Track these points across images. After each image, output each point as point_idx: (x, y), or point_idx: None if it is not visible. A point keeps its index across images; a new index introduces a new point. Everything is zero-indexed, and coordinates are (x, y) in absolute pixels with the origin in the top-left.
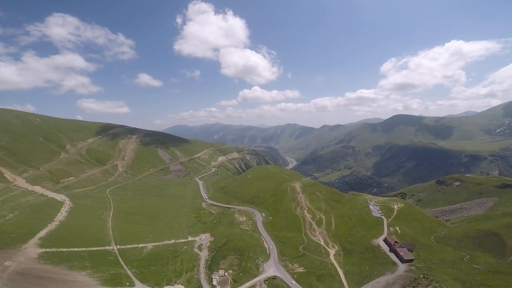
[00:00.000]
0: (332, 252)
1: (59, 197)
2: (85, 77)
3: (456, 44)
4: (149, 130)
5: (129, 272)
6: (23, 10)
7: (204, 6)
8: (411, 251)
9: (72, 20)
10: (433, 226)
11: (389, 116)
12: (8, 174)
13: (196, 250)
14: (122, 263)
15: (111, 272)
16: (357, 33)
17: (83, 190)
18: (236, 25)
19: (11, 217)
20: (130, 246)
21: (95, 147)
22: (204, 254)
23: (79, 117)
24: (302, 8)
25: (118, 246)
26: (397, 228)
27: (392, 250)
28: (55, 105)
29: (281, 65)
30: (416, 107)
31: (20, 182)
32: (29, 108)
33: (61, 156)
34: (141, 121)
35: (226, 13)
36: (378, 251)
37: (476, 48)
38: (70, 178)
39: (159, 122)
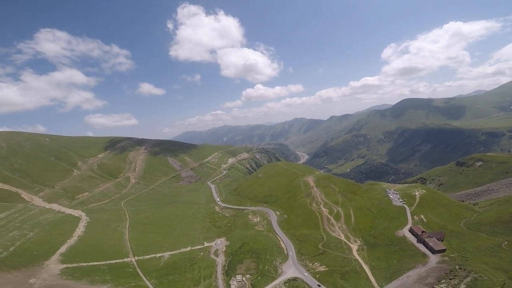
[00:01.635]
0: (354, 247)
1: (76, 212)
2: (88, 92)
3: (454, 26)
4: (157, 140)
5: (148, 284)
6: (9, 28)
7: (194, 8)
8: (441, 241)
9: (61, 35)
10: (461, 212)
11: (397, 101)
12: (25, 195)
13: (212, 256)
14: (141, 274)
15: (131, 284)
16: (353, 21)
17: (98, 204)
18: (230, 24)
19: (32, 235)
20: (148, 257)
21: (105, 161)
22: (220, 260)
23: (90, 133)
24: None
25: (136, 257)
26: (422, 216)
27: (420, 240)
28: (64, 123)
29: (281, 60)
30: (423, 90)
31: (37, 201)
32: (40, 128)
33: (74, 173)
34: (150, 132)
35: (217, 14)
36: (404, 243)
37: (475, 28)
38: (84, 194)
39: (167, 131)
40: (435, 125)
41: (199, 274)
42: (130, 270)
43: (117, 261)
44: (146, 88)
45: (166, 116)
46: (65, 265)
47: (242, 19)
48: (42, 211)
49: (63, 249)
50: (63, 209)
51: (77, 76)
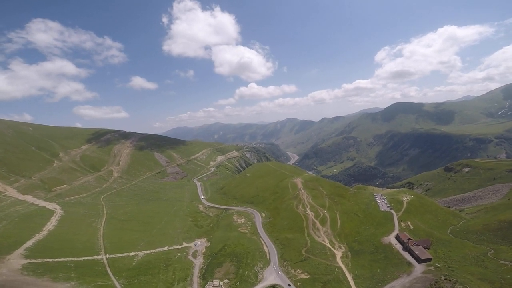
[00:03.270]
0: (338, 254)
1: (51, 205)
2: (78, 83)
3: (449, 30)
4: (145, 134)
5: (116, 284)
6: (2, 17)
7: (190, 3)
8: (428, 249)
9: (54, 25)
10: (448, 218)
11: (388, 105)
12: None
13: (190, 257)
14: (110, 273)
15: (98, 283)
16: (348, 23)
17: (75, 198)
18: (225, 21)
19: None
20: (120, 255)
21: (89, 153)
22: (198, 262)
23: (78, 125)
24: (292, 1)
25: (107, 255)
26: (409, 223)
27: (406, 248)
28: (52, 114)
29: (276, 60)
30: (414, 94)
31: (11, 192)
32: (26, 117)
33: (54, 164)
34: (141, 125)
35: (213, 9)
36: (390, 251)
37: (469, 32)
38: (63, 186)
39: (158, 125)
40: (424, 130)
41: (173, 276)
42: (99, 268)
43: (86, 258)
44: (138, 81)
45: (157, 111)
46: (28, 260)
47: (238, 16)
48: (14, 203)
49: (29, 243)
50: (37, 201)
51: (68, 67)
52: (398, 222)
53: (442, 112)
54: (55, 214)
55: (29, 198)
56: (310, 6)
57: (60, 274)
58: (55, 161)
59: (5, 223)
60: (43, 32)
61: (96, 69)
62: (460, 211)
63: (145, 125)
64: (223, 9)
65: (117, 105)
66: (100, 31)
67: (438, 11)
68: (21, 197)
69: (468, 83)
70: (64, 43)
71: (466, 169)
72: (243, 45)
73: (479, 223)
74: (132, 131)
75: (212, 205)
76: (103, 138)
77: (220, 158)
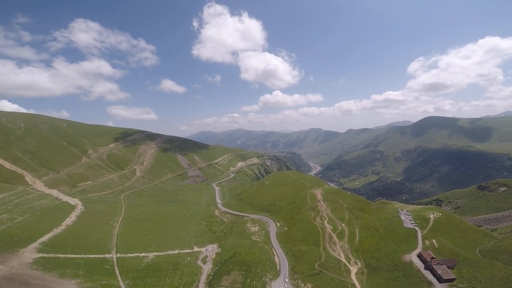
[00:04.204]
0: (354, 269)
1: (73, 201)
2: (113, 83)
3: (491, 41)
4: (170, 136)
5: (121, 284)
6: (48, 16)
7: (219, 8)
8: (452, 269)
9: (94, 26)
10: (478, 238)
11: (420, 119)
12: (28, 177)
13: (199, 262)
14: (117, 273)
15: (103, 282)
16: (380, 31)
17: (98, 195)
18: (253, 26)
19: (20, 220)
20: (131, 255)
21: (116, 152)
22: (207, 268)
23: (110, 124)
24: (320, 7)
25: (118, 255)
26: (434, 241)
27: (428, 267)
28: (87, 112)
29: (302, 68)
30: (448, 108)
31: (39, 185)
32: (64, 114)
33: (82, 161)
34: (168, 128)
35: (241, 15)
36: (410, 269)
37: None
38: (87, 182)
39: (184, 129)
40: (458, 146)
41: (179, 281)
42: (108, 267)
43: (97, 256)
44: (168, 84)
45: (184, 114)
46: (40, 254)
47: (265, 22)
48: (39, 196)
49: (46, 237)
50: (61, 196)
51: (105, 67)
52: (422, 240)
53: (479, 128)
54: (75, 210)
55: (55, 192)
56: (339, 12)
57: (68, 270)
58: (83, 157)
59: (27, 216)
60: (84, 32)
61: (130, 70)
62: (492, 231)
63: (172, 127)
64: (250, 15)
65: (147, 106)
66: (135, 32)
67: (480, 21)
68: (47, 191)
69: (509, 98)
70: (102, 43)
71: (503, 188)
72: (270, 52)
73: None
74: (158, 133)
75: (228, 210)
76: (130, 138)
77: (240, 164)
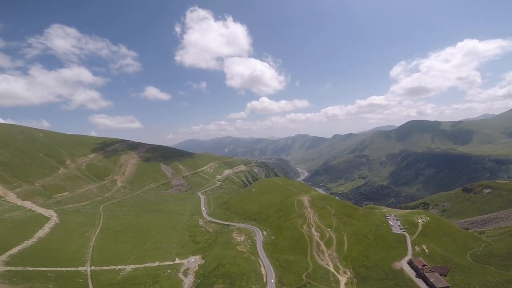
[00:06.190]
0: (343, 280)
1: (47, 212)
2: (94, 91)
3: (469, 44)
4: (153, 145)
5: None
6: (23, 22)
7: (203, 12)
8: (445, 276)
9: (71, 31)
10: (468, 242)
11: (403, 123)
12: (0, 189)
13: (180, 275)
14: (91, 286)
15: None
16: (362, 36)
17: (75, 206)
18: (238, 31)
19: None
20: (107, 268)
21: (95, 162)
22: (189, 281)
23: (94, 133)
24: (304, 13)
25: (92, 267)
26: (424, 247)
27: (420, 275)
28: (68, 121)
29: (288, 73)
30: (430, 112)
31: (11, 197)
32: (44, 124)
33: (59, 172)
34: (154, 136)
35: (226, 19)
36: (401, 277)
37: (490, 47)
38: (64, 194)
39: (171, 137)
40: (441, 149)
41: None
42: (80, 280)
43: (69, 269)
44: (152, 92)
45: (170, 122)
46: (8, 268)
47: (251, 27)
48: (11, 208)
49: (14, 250)
50: (35, 207)
51: (85, 74)
52: (412, 246)
53: (460, 131)
54: (49, 222)
55: (28, 204)
56: (323, 19)
57: (37, 284)
58: (61, 168)
59: None
60: (61, 38)
61: (111, 78)
62: (480, 233)
63: (158, 136)
64: (235, 19)
65: (131, 115)
66: (115, 38)
67: (458, 24)
68: (20, 202)
69: (487, 101)
70: (81, 50)
71: (487, 190)
72: (255, 57)
73: (503, 247)
74: (141, 142)
75: (213, 220)
76: (111, 148)
77: (227, 171)
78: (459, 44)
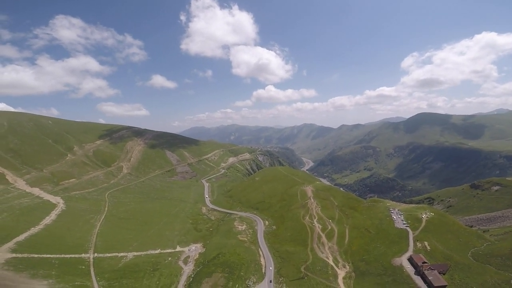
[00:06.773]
0: (341, 273)
1: (55, 199)
2: (102, 80)
3: (487, 36)
4: (159, 131)
5: (95, 285)
6: (27, 13)
7: (208, 1)
8: (444, 274)
9: (76, 22)
10: (471, 240)
11: (412, 115)
12: (10, 176)
13: (180, 263)
14: (93, 273)
15: (76, 283)
16: (375, 26)
17: (81, 193)
18: (244, 19)
19: None
20: (109, 255)
21: (102, 148)
22: (188, 269)
23: (102, 121)
24: (313, 2)
25: (95, 254)
26: (426, 243)
27: (419, 272)
28: (76, 109)
29: (295, 63)
30: (441, 105)
31: (20, 184)
32: (54, 112)
33: (67, 158)
34: (160, 124)
35: (231, 7)
36: (400, 274)
37: (510, 40)
38: (71, 180)
39: (177, 124)
40: (450, 143)
41: (157, 282)
42: (83, 267)
43: (73, 255)
44: (158, 80)
45: (176, 110)
46: (13, 255)
47: (257, 15)
48: (20, 195)
49: (21, 237)
50: (43, 194)
51: (91, 63)
52: (414, 242)
53: (471, 126)
54: (56, 208)
55: (36, 190)
56: (334, 8)
57: (41, 270)
58: (69, 155)
59: (5, 215)
60: (66, 28)
61: (118, 67)
62: (484, 232)
63: (164, 123)
64: (241, 8)
65: (138, 102)
66: (120, 28)
67: (476, 16)
68: (28, 189)
69: (502, 95)
70: (87, 40)
71: (496, 188)
72: (262, 46)
73: (506, 247)
74: (147, 129)
75: (216, 208)
76: (117, 134)
77: (232, 159)
78: (477, 36)
